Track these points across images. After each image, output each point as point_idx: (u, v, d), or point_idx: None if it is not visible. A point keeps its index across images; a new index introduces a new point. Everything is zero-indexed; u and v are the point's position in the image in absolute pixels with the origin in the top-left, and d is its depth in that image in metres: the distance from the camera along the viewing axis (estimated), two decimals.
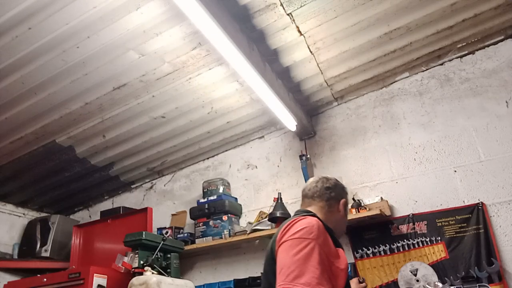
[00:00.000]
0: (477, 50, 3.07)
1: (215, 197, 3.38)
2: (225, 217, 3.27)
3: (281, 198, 3.09)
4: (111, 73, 2.70)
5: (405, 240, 2.81)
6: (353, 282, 1.93)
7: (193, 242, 3.34)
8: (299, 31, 2.60)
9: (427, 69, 3.21)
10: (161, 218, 3.77)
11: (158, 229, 3.51)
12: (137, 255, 2.88)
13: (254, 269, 3.21)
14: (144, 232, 2.90)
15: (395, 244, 2.84)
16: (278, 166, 3.54)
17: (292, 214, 2.94)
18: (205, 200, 3.41)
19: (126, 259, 2.97)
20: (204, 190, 3.53)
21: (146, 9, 2.23)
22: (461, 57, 3.11)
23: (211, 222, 3.31)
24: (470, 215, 2.67)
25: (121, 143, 3.48)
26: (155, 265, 2.86)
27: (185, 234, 3.39)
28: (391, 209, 2.92)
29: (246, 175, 3.66)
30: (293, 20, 2.50)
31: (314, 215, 1.54)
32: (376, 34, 2.75)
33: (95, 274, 2.81)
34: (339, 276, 1.38)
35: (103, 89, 2.84)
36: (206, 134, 3.53)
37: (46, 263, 3.64)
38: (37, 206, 4.19)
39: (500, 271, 2.47)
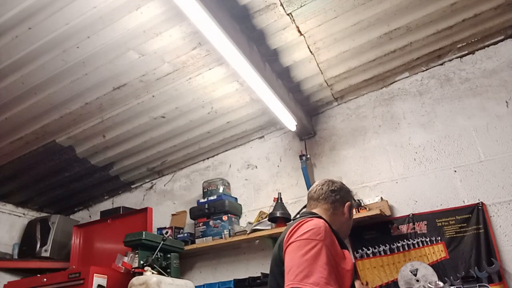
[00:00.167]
0: (477, 50, 3.07)
1: (215, 197, 3.38)
2: (225, 217, 3.27)
3: (281, 198, 3.10)
4: (111, 73, 2.70)
5: (405, 240, 2.81)
6: (357, 283, 1.94)
7: (193, 242, 3.34)
8: (299, 31, 2.60)
9: (427, 69, 3.21)
10: (161, 218, 3.78)
11: (158, 229, 3.51)
12: (137, 255, 2.88)
13: (254, 269, 3.21)
14: (144, 232, 2.90)
15: (395, 244, 2.84)
16: (278, 166, 3.54)
17: (292, 214, 2.98)
18: (205, 200, 3.41)
19: (126, 259, 2.97)
20: (204, 190, 3.53)
21: (146, 9, 2.23)
22: (461, 57, 3.11)
23: (211, 222, 3.31)
24: (470, 215, 2.67)
25: (121, 143, 3.48)
26: (155, 265, 2.86)
27: (185, 234, 3.40)
28: (391, 209, 2.92)
29: (246, 175, 3.66)
30: (293, 20, 2.50)
31: (320, 217, 1.56)
32: (376, 34, 2.75)
33: (95, 274, 2.81)
34: (345, 277, 1.41)
35: (103, 89, 2.84)
36: (206, 134, 3.53)
37: (46, 263, 3.64)
38: (37, 206, 4.19)
39: (500, 271, 2.47)
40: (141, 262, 2.84)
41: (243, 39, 2.42)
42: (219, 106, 3.20)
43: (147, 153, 3.67)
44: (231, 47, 2.22)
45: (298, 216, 2.39)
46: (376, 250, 2.88)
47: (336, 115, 3.48)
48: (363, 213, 2.79)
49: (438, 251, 2.69)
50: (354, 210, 2.81)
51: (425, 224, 2.79)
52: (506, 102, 2.86)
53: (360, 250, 2.93)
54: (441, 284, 2.01)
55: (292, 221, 1.59)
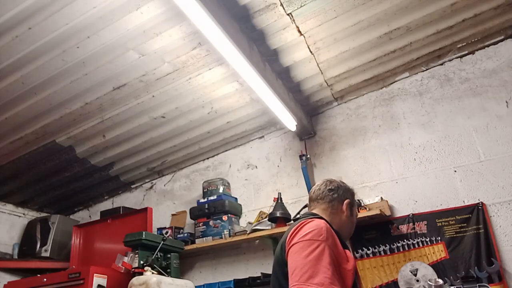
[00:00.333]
0: (477, 50, 3.07)
1: (215, 197, 3.38)
2: (225, 217, 3.27)
3: (281, 198, 3.10)
4: (111, 73, 2.70)
5: (405, 240, 2.81)
6: None
7: (193, 242, 3.34)
8: (299, 31, 2.60)
9: (427, 69, 3.21)
10: (161, 218, 3.78)
11: (158, 229, 3.51)
12: (137, 255, 2.88)
13: (254, 269, 3.21)
14: (144, 232, 2.90)
15: (395, 244, 2.84)
16: (278, 166, 3.54)
17: (292, 214, 2.98)
18: (205, 200, 3.41)
19: (126, 259, 2.97)
20: (204, 190, 3.53)
21: (146, 9, 2.24)
22: (461, 57, 3.11)
23: (211, 222, 3.31)
24: (470, 215, 2.67)
25: (121, 143, 3.48)
26: (155, 265, 2.86)
27: (185, 234, 3.40)
28: (391, 209, 2.92)
29: (246, 175, 3.66)
30: (293, 20, 2.50)
31: (321, 218, 1.56)
32: (376, 34, 2.75)
33: (95, 274, 2.81)
34: (347, 277, 1.41)
35: (103, 89, 2.84)
36: (206, 134, 3.53)
37: (46, 263, 3.64)
38: (37, 206, 4.19)
39: (500, 271, 2.47)
40: (141, 262, 2.84)
41: (243, 39, 2.42)
42: (219, 106, 3.20)
43: (147, 153, 3.67)
44: (231, 47, 2.22)
45: (298, 216, 2.39)
46: (376, 250, 2.88)
47: (336, 115, 3.48)
48: (363, 213, 2.79)
49: (438, 251, 2.69)
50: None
51: (425, 224, 2.79)
52: (506, 102, 2.86)
53: (360, 250, 2.93)
54: (440, 281, 2.01)
55: (293, 222, 1.59)
